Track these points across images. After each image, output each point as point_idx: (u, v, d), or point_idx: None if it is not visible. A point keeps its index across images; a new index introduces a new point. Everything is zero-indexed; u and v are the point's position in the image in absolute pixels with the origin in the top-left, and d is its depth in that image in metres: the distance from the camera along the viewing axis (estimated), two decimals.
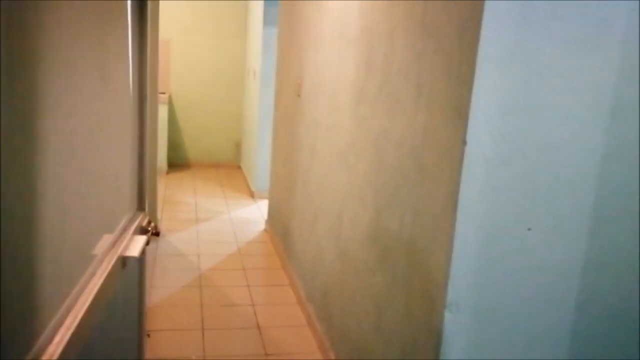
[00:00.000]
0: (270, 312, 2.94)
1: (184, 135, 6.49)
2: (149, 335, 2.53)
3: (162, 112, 5.82)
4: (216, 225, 4.31)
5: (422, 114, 1.61)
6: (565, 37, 1.33)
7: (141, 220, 1.29)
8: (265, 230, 4.31)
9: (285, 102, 3.78)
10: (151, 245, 3.63)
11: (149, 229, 1.31)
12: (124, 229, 1.15)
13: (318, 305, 2.70)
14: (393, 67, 1.84)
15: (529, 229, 1.41)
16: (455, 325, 1.43)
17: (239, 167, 6.60)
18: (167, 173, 6.00)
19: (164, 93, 6.07)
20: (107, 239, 1.04)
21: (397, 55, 1.80)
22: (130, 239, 1.16)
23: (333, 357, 2.37)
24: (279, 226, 3.81)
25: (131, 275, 1.28)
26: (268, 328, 2.75)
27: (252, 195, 5.30)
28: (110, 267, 0.97)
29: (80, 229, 0.90)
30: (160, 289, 3.06)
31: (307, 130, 3.09)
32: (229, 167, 6.59)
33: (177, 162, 6.44)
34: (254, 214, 4.71)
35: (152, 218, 4.00)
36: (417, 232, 1.61)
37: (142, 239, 1.20)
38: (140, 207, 1.31)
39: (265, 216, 4.46)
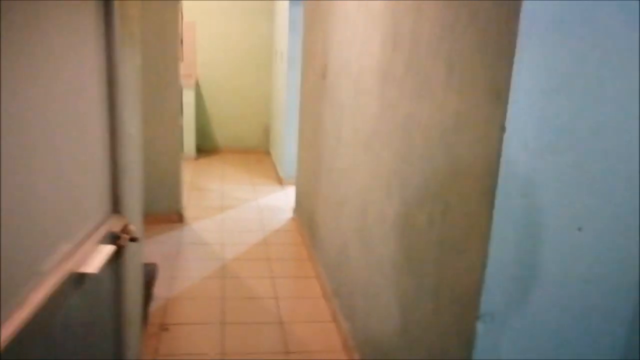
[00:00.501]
0: (293, 306, 2.81)
1: (213, 120, 6.41)
2: (166, 329, 2.45)
3: (189, 97, 5.74)
4: (242, 213, 4.21)
5: (453, 95, 1.41)
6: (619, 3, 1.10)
7: (113, 225, 1.13)
8: (292, 218, 4.18)
9: (310, 85, 3.61)
10: (175, 234, 3.59)
11: (122, 235, 1.14)
12: (86, 238, 0.99)
13: (343, 300, 2.55)
14: (421, 43, 1.63)
15: (579, 229, 1.20)
16: (489, 339, 1.25)
17: (268, 153, 6.48)
18: (196, 159, 5.95)
19: (190, 77, 5.98)
20: (59, 251, 0.89)
21: (426, 30, 1.59)
22: (92, 250, 1.00)
23: (358, 358, 2.23)
24: (306, 214, 3.67)
25: (101, 290, 1.12)
26: (291, 323, 2.62)
27: (280, 181, 5.18)
28: (54, 287, 0.81)
29: (20, 239, 0.75)
30: (181, 280, 2.98)
31: (331, 114, 2.91)
32: (258, 153, 6.48)
33: (206, 148, 6.38)
34: (282, 201, 4.58)
35: (176, 206, 3.94)
36: (447, 230, 1.42)
37: (107, 250, 1.03)
38: (115, 209, 1.16)
39: (293, 203, 4.32)
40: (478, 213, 1.25)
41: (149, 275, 2.57)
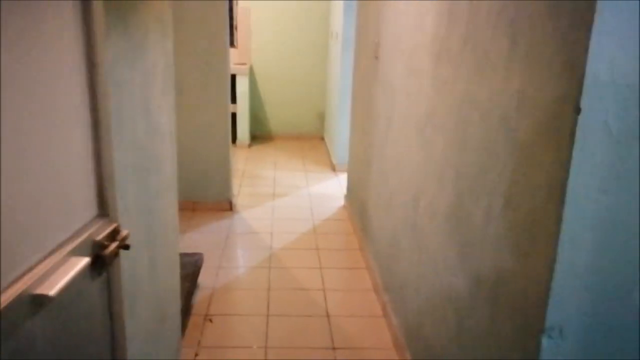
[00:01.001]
0: (342, 298, 2.70)
1: (267, 106, 6.37)
2: (211, 321, 2.41)
3: (243, 84, 5.71)
4: (293, 201, 4.13)
5: (517, 71, 1.21)
6: None
7: (97, 231, 0.96)
8: (344, 206, 4.05)
9: (363, 66, 3.44)
10: (224, 222, 3.57)
11: (106, 243, 0.96)
12: (55, 250, 0.84)
13: (394, 295, 2.40)
14: (481, 12, 1.43)
15: None
16: (556, 356, 1.06)
17: (322, 139, 6.37)
18: (250, 146, 5.94)
19: (244, 64, 5.95)
20: (13, 268, 0.74)
21: None
22: (61, 264, 0.83)
23: (409, 357, 2.08)
24: (357, 203, 3.53)
25: (83, 307, 0.95)
26: (338, 317, 2.51)
27: (333, 168, 5.06)
28: None
29: None
30: (229, 270, 2.94)
31: (383, 96, 2.74)
32: (312, 139, 6.38)
33: (260, 135, 6.36)
34: (334, 189, 4.46)
35: (227, 194, 3.92)
36: (507, 228, 1.24)
37: (80, 263, 0.86)
38: (103, 213, 0.99)
39: (345, 191, 4.19)
40: (545, 210, 1.06)
41: (194, 266, 2.54)
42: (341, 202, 4.13)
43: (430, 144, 1.87)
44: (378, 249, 2.78)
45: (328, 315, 2.51)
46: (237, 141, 5.85)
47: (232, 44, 6.35)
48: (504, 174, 1.27)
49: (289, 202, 4.09)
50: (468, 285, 1.47)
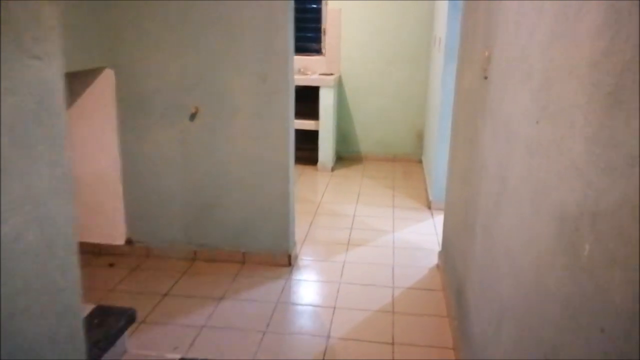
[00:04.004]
0: None
1: (357, 123, 5.54)
2: None
3: (328, 98, 4.96)
4: (372, 254, 3.24)
5: None
6: None
7: None
8: (437, 266, 3.08)
9: (467, 85, 2.47)
10: (275, 286, 2.69)
11: None
12: None
13: None
14: None
15: None
16: None
17: (420, 162, 5.39)
18: (333, 169, 5.15)
19: (331, 74, 5.20)
20: None
21: None
22: None
23: None
24: (452, 273, 2.56)
25: None
26: None
27: (428, 205, 4.08)
28: None
29: None
30: None
31: (494, 140, 1.77)
32: (408, 162, 5.44)
33: (347, 155, 5.56)
34: (427, 237, 3.50)
35: (285, 244, 2.98)
36: None
37: None
38: None
39: (440, 244, 3.22)
40: None
41: None
42: (434, 259, 3.16)
43: (583, 256, 0.90)
44: None
45: None
46: (319, 164, 5.12)
47: (319, 51, 5.64)
48: None
49: (366, 256, 3.21)
50: None
